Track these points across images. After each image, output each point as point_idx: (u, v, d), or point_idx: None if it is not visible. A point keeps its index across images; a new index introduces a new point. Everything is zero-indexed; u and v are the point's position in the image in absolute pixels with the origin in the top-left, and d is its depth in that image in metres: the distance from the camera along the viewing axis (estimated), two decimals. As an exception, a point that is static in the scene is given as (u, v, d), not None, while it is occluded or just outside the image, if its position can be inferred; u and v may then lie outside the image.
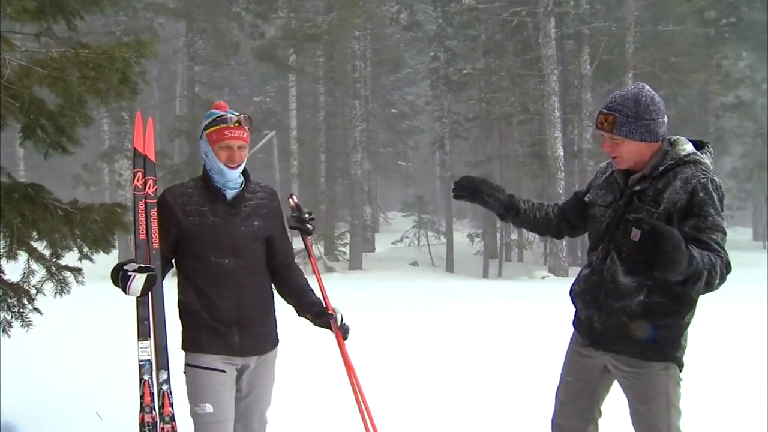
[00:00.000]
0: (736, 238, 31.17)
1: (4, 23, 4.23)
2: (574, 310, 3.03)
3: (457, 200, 3.21)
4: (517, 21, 21.65)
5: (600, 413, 3.07)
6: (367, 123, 27.47)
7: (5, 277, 4.50)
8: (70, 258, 4.63)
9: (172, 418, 2.86)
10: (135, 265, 2.79)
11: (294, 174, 26.55)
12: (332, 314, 3.22)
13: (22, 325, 4.58)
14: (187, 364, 2.97)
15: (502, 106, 21.88)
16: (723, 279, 2.50)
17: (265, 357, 3.12)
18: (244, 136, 2.96)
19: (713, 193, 2.61)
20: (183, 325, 3.02)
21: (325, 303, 3.26)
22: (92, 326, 8.88)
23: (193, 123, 19.58)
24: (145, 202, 2.95)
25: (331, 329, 3.25)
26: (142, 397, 2.83)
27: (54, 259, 4.56)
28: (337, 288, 13.97)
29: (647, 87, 2.78)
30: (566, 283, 3.09)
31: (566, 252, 20.19)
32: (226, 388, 2.97)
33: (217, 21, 21.21)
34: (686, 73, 21.66)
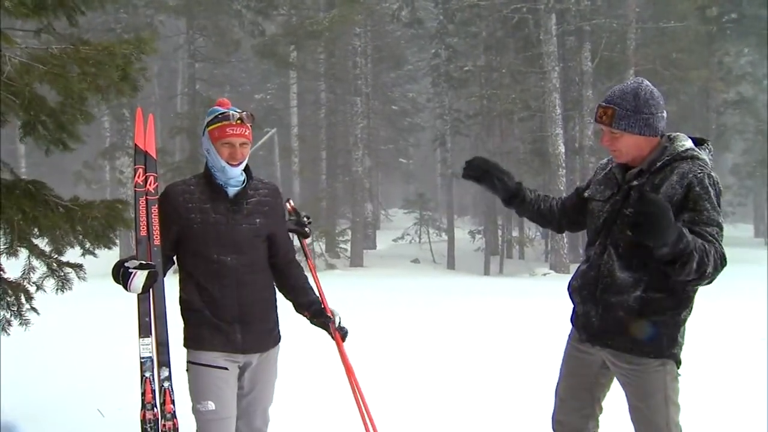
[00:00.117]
0: (737, 234, 31.21)
1: (4, 20, 4.22)
2: (572, 305, 3.03)
3: (465, 179, 3.22)
4: (518, 18, 21.62)
5: (600, 409, 3.07)
6: (368, 120, 27.45)
7: (5, 275, 4.49)
8: (72, 255, 4.63)
9: (174, 415, 2.86)
10: (136, 262, 2.78)
11: (295, 171, 26.54)
12: (330, 317, 3.23)
13: (20, 324, 4.57)
14: (189, 362, 2.97)
15: (503, 103, 21.85)
16: (717, 270, 2.48)
17: (267, 354, 3.12)
18: (246, 133, 2.96)
19: (710, 188, 2.60)
20: (185, 323, 3.02)
21: (323, 304, 3.26)
22: (93, 323, 8.89)
23: (194, 120, 19.55)
24: (146, 199, 2.95)
25: (327, 330, 3.27)
26: (143, 394, 2.83)
27: (55, 256, 4.55)
28: (338, 285, 14.02)
29: (647, 82, 2.79)
30: (567, 281, 3.09)
31: (567, 249, 20.18)
32: (229, 386, 2.97)
33: (217, 18, 21.18)
34: (688, 70, 21.61)
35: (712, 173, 2.66)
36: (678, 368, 2.78)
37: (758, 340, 7.64)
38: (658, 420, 2.75)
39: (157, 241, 2.91)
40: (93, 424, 4.88)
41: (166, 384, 2.88)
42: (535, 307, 10.69)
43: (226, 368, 2.96)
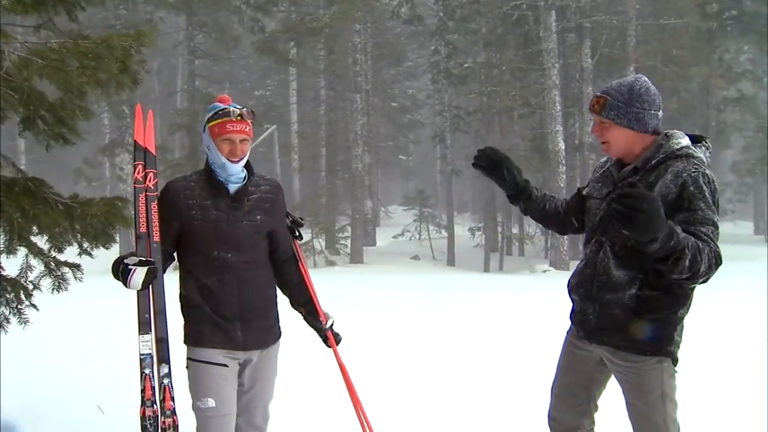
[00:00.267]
0: (737, 231, 31.25)
1: (4, 16, 4.21)
2: (571, 303, 3.03)
3: (475, 169, 3.19)
4: (517, 14, 21.61)
5: (596, 407, 3.07)
6: (368, 117, 27.44)
7: (3, 273, 4.48)
8: (70, 253, 4.62)
9: (174, 412, 2.85)
10: (136, 259, 2.78)
11: (295, 168, 26.58)
12: (323, 322, 3.23)
13: (19, 322, 4.56)
14: (189, 359, 2.97)
15: (503, 100, 21.85)
16: (711, 269, 2.46)
17: (267, 351, 3.11)
18: (247, 129, 2.95)
19: (704, 187, 2.59)
20: (185, 319, 3.02)
21: (317, 309, 3.27)
22: (93, 320, 8.89)
23: (194, 117, 19.55)
24: (146, 195, 2.94)
25: (319, 334, 3.29)
26: (143, 391, 2.82)
27: (53, 254, 4.54)
28: (337, 282, 14.03)
29: (645, 78, 2.79)
30: (567, 277, 3.09)
31: (567, 246, 20.18)
32: (229, 383, 2.96)
33: (217, 15, 21.16)
34: (688, 67, 21.61)
35: (707, 171, 2.64)
36: (675, 366, 2.77)
37: (758, 338, 7.64)
38: (655, 417, 2.75)
39: (156, 238, 2.91)
40: (93, 422, 4.88)
41: (165, 381, 2.87)
42: (535, 304, 10.69)
43: (226, 365, 2.96)
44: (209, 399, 2.89)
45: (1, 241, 4.26)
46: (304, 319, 3.31)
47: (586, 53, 21.31)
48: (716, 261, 2.48)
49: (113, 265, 2.80)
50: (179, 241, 3.01)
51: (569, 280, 3.02)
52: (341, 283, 13.88)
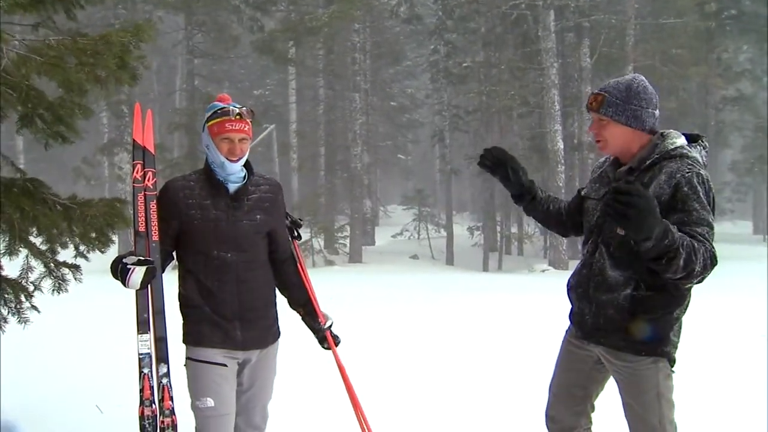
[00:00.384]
0: (736, 231, 31.27)
1: (3, 15, 4.20)
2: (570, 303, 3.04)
3: (481, 167, 3.19)
4: (516, 14, 21.62)
5: (593, 407, 3.07)
6: (367, 116, 27.44)
7: (3, 273, 4.47)
8: (68, 254, 4.61)
9: (172, 412, 2.85)
10: (134, 258, 2.77)
11: (294, 167, 26.59)
12: (322, 324, 3.23)
13: (19, 321, 4.55)
14: (188, 358, 2.96)
15: (502, 99, 21.87)
16: (706, 269, 2.45)
17: (266, 351, 3.11)
18: (246, 129, 2.94)
19: (698, 188, 2.57)
20: (184, 319, 3.01)
21: (315, 310, 3.26)
22: (92, 320, 8.88)
23: (193, 116, 19.55)
24: (145, 195, 2.93)
25: (316, 335, 3.29)
26: (141, 390, 2.81)
27: (51, 255, 4.53)
28: (336, 281, 14.02)
29: (642, 77, 2.80)
30: (566, 277, 3.09)
31: (566, 245, 20.18)
32: (228, 382, 2.96)
33: (216, 14, 21.17)
34: (687, 66, 21.64)
35: (702, 172, 2.62)
36: (672, 366, 2.77)
37: (758, 337, 7.64)
38: (650, 417, 2.75)
39: (155, 237, 2.90)
40: (92, 421, 4.87)
41: (164, 380, 2.87)
42: (534, 304, 10.69)
43: (225, 365, 2.95)
44: (208, 398, 2.89)
45: (1, 242, 4.25)
46: (303, 319, 3.31)
47: (584, 53, 21.32)
48: (711, 261, 2.46)
49: (112, 264, 2.80)
50: (178, 241, 3.00)
51: (568, 280, 3.03)
52: (340, 282, 13.89)
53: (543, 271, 19.76)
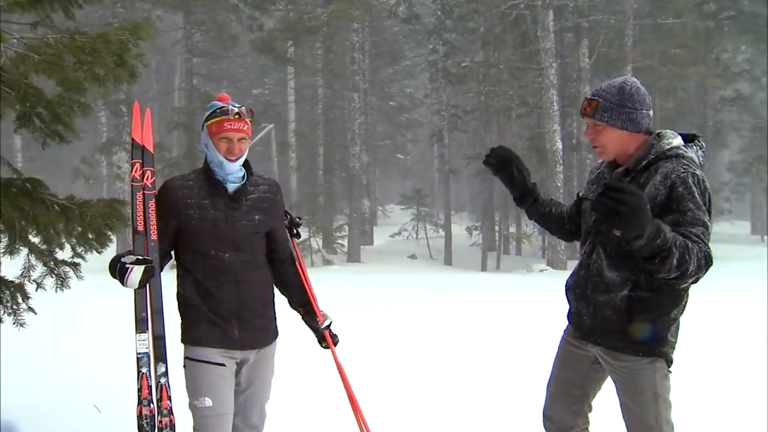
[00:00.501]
0: (734, 231, 31.30)
1: (2, 14, 4.20)
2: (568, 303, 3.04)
3: (485, 166, 3.17)
4: (515, 14, 21.63)
5: (590, 407, 3.07)
6: (366, 116, 27.44)
7: (1, 274, 4.47)
8: (66, 254, 4.60)
9: (170, 411, 2.84)
10: (133, 257, 2.77)
11: (292, 167, 26.57)
12: (320, 323, 3.23)
13: (14, 323, 4.54)
14: (186, 358, 2.96)
15: (500, 99, 21.87)
16: (701, 269, 2.44)
17: (264, 350, 3.10)
18: (245, 128, 2.94)
19: (693, 188, 2.57)
20: (182, 318, 3.01)
21: (314, 309, 3.26)
22: (90, 319, 8.87)
23: (191, 115, 19.53)
24: (143, 194, 2.93)
25: (316, 334, 3.29)
26: (139, 390, 2.81)
27: (50, 255, 4.52)
28: (335, 281, 14.01)
29: (634, 79, 2.80)
30: (564, 277, 3.09)
31: (564, 245, 20.17)
32: (226, 382, 2.96)
33: (215, 13, 21.16)
34: (685, 66, 21.64)
35: (697, 172, 2.62)
36: (669, 367, 2.77)
37: (757, 337, 7.65)
38: (647, 417, 2.75)
39: (154, 236, 2.90)
40: (92, 421, 4.86)
41: (162, 380, 2.86)
42: (532, 304, 10.70)
43: (224, 364, 2.95)
44: (206, 398, 2.88)
45: (1, 241, 4.25)
46: (303, 319, 3.31)
47: (583, 53, 21.33)
48: (706, 261, 2.46)
49: (110, 263, 2.79)
50: (177, 240, 3.00)
51: (567, 281, 3.03)
52: (338, 282, 13.88)
53: (541, 271, 19.77)
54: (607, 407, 3.12)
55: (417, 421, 4.94)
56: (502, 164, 3.11)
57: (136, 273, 2.73)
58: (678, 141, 2.74)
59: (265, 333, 3.11)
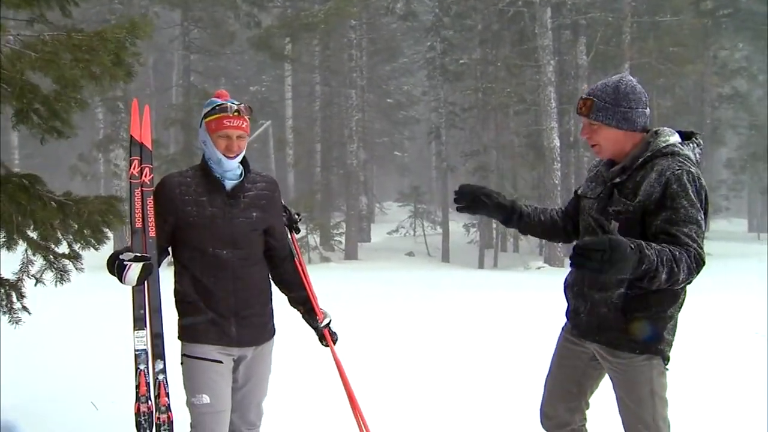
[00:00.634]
0: (732, 229, 31.38)
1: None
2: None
3: (460, 212, 3.19)
4: (513, 11, 21.61)
5: (587, 405, 3.07)
6: (363, 113, 27.43)
7: (-1, 272, 4.47)
8: (64, 249, 4.60)
9: (168, 408, 2.84)
10: (131, 255, 2.77)
11: (290, 163, 26.54)
12: (319, 322, 3.23)
13: (10, 322, 4.53)
14: (183, 355, 2.96)
15: (498, 97, 21.89)
16: (692, 274, 2.47)
17: (261, 348, 3.10)
18: (244, 125, 2.93)
19: (688, 185, 2.57)
20: (179, 315, 3.00)
21: (314, 307, 3.26)
22: (88, 316, 8.86)
23: (189, 112, 19.51)
24: (142, 191, 2.92)
25: (316, 332, 3.28)
26: (137, 386, 2.81)
27: (52, 247, 4.51)
28: (332, 278, 14.02)
29: (630, 77, 2.80)
30: (561, 274, 3.09)
31: (561, 243, 20.21)
32: (224, 379, 2.95)
33: (213, 10, 21.12)
34: (683, 64, 21.66)
35: (692, 169, 2.62)
36: (666, 364, 2.77)
37: (753, 335, 7.67)
38: (644, 414, 2.76)
39: (152, 233, 2.89)
40: (92, 420, 4.85)
41: (160, 377, 2.86)
42: (529, 301, 10.71)
43: (221, 361, 2.95)
44: (204, 395, 2.88)
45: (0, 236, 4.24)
46: (303, 317, 3.31)
47: (581, 50, 21.35)
48: (697, 265, 2.48)
49: (108, 260, 2.79)
50: (174, 237, 3.00)
51: (565, 278, 3.04)
52: (336, 279, 13.88)
53: (538, 268, 19.79)
54: (604, 404, 3.13)
55: (415, 418, 4.95)
56: (474, 201, 3.11)
57: (134, 270, 2.73)
58: (674, 138, 2.74)
59: (262, 330, 3.11)
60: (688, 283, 2.53)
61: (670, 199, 2.56)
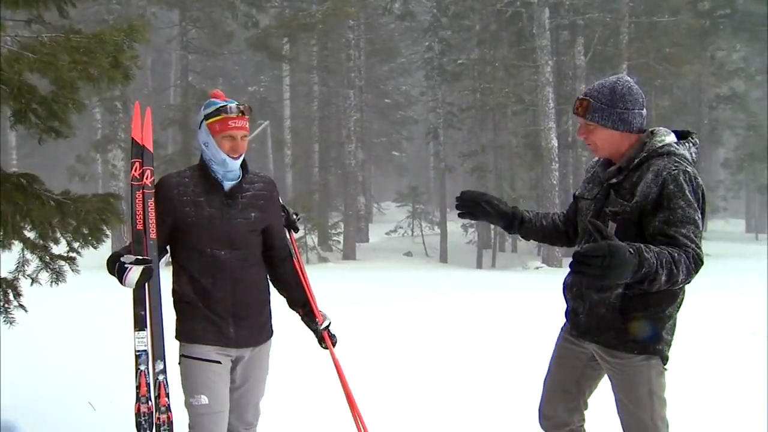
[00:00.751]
0: (729, 229, 31.42)
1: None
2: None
3: (461, 218, 3.19)
4: (511, 11, 21.64)
5: (586, 405, 3.07)
6: (361, 113, 27.43)
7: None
8: (61, 250, 4.59)
9: (168, 408, 2.85)
10: (132, 257, 2.77)
11: (288, 164, 26.54)
12: (318, 323, 3.23)
13: (5, 321, 4.53)
14: (182, 355, 2.96)
15: (496, 97, 21.89)
16: (691, 275, 2.48)
17: (259, 348, 3.10)
18: (246, 125, 2.95)
19: (684, 185, 2.57)
20: (177, 315, 3.00)
21: (313, 309, 3.26)
22: (88, 316, 8.86)
23: (187, 112, 19.50)
24: (143, 193, 2.92)
25: (315, 334, 3.28)
26: (138, 387, 2.81)
27: (49, 246, 4.51)
28: (330, 278, 14.02)
29: (626, 77, 2.80)
30: (560, 274, 3.10)
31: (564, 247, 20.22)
32: (222, 380, 2.95)
33: (210, 10, 21.11)
34: (680, 65, 21.68)
35: (689, 169, 2.62)
36: (665, 364, 2.78)
37: (751, 335, 7.68)
38: (642, 414, 2.76)
39: (153, 235, 2.89)
40: (92, 420, 4.85)
41: (160, 377, 2.86)
42: (528, 301, 10.72)
43: (219, 362, 2.95)
44: (202, 396, 2.88)
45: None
46: (302, 319, 3.30)
47: (579, 50, 21.37)
48: (695, 265, 2.49)
49: (108, 260, 2.80)
50: (172, 237, 3.00)
51: (564, 279, 3.04)
52: (334, 279, 13.88)
53: (537, 268, 19.80)
54: (602, 404, 3.14)
55: (414, 418, 4.95)
56: (475, 207, 3.11)
57: (135, 273, 2.74)
58: (670, 138, 2.74)
59: (260, 331, 3.11)
60: (687, 283, 2.54)
61: (667, 199, 2.57)
